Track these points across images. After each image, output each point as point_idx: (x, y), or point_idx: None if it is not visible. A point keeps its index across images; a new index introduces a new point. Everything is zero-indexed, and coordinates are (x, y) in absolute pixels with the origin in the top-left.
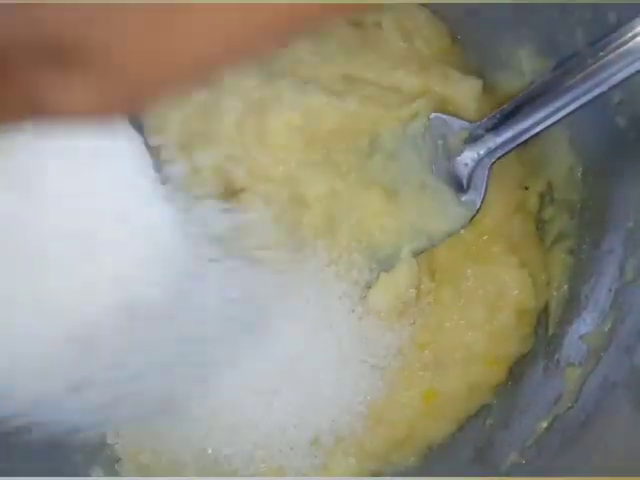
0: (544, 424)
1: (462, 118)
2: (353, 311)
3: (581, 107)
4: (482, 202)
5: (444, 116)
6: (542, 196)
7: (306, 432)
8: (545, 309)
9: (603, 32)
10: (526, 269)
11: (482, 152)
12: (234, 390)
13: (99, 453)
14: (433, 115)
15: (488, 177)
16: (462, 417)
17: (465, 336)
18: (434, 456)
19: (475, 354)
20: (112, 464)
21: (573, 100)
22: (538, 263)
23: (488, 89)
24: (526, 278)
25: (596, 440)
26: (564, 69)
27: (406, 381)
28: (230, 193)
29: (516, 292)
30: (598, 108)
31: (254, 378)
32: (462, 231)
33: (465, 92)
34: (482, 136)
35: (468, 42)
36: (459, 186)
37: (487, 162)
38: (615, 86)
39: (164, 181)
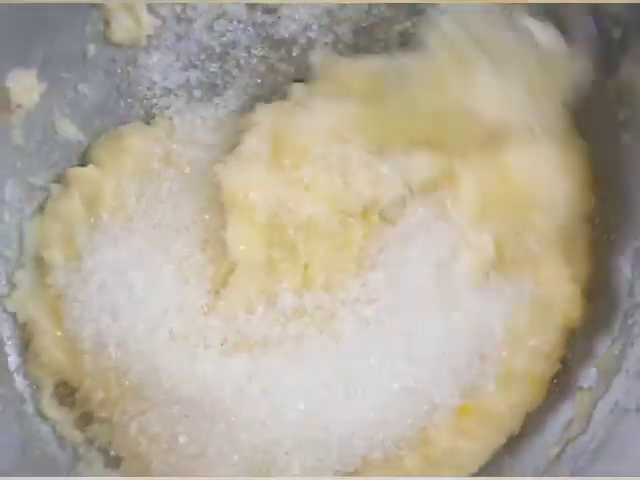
0: (555, 450)
1: None
2: None
3: None
4: None
5: None
6: None
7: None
8: None
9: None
10: (578, 284)
11: None
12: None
13: None
14: None
15: None
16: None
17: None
18: None
19: (517, 373)
20: None
21: None
22: (587, 279)
23: None
24: (577, 294)
25: (608, 470)
26: None
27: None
28: None
29: (564, 308)
30: (603, 125)
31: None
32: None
33: None
34: None
35: None
36: None
37: None
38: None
39: None
